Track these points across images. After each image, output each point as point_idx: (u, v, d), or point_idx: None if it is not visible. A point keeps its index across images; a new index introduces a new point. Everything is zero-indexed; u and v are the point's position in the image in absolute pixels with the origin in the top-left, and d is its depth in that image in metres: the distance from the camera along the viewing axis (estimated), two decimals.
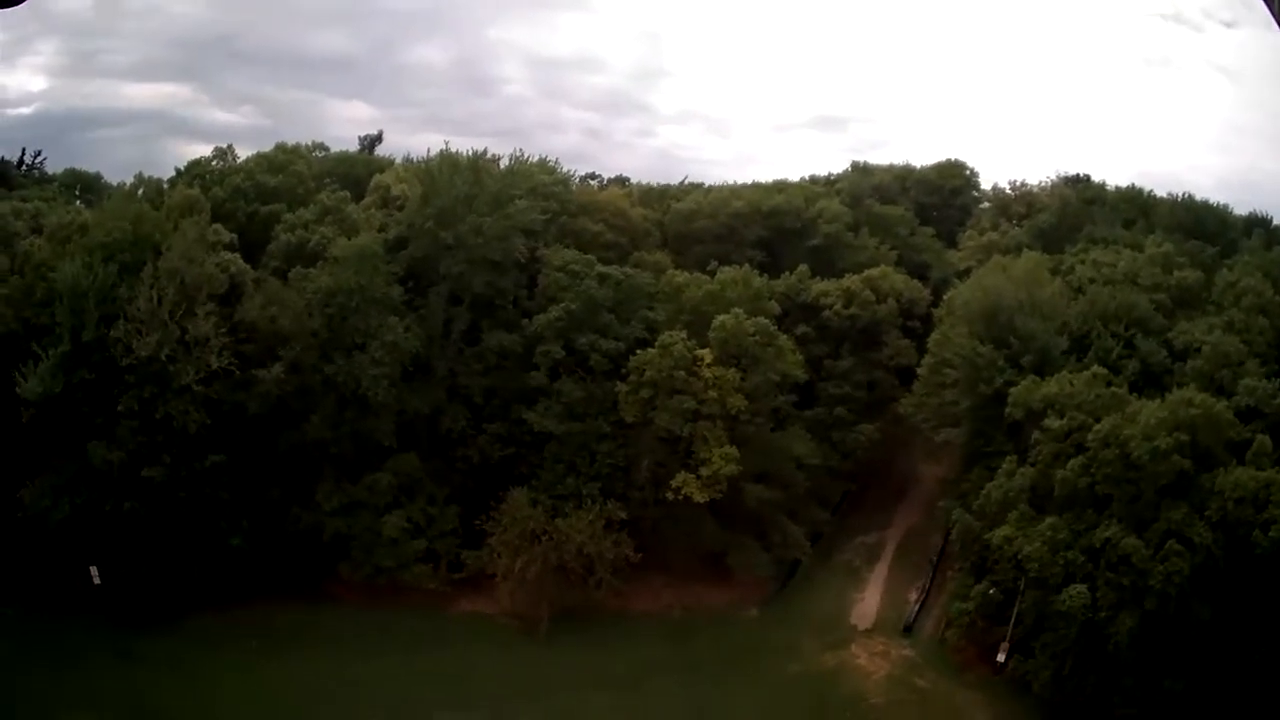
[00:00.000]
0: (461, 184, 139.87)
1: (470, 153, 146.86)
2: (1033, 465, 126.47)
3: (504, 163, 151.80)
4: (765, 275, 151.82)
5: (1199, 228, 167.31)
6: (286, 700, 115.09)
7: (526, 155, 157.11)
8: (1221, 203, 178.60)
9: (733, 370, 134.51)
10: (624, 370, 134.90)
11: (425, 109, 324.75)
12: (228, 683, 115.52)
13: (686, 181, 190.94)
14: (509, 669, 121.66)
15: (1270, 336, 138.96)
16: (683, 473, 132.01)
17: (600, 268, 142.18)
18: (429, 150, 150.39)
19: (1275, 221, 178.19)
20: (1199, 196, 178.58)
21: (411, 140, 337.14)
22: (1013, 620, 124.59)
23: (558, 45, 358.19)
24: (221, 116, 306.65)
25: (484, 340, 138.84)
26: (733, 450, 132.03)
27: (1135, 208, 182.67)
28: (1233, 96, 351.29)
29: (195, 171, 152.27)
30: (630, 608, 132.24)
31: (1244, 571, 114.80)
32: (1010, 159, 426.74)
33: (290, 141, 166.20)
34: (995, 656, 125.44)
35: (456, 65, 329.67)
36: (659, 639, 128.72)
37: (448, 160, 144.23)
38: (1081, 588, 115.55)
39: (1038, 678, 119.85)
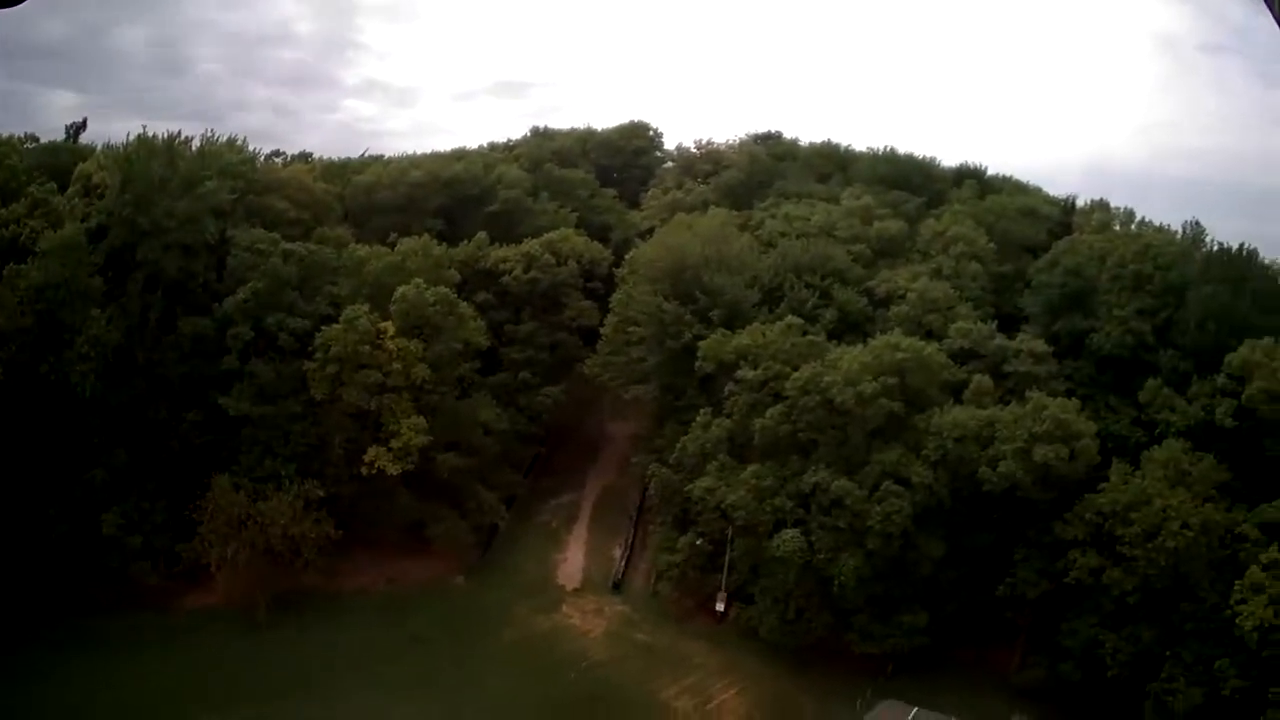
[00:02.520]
0: (157, 168, 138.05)
1: (165, 136, 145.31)
2: (729, 416, 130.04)
3: (196, 144, 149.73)
4: (445, 244, 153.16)
5: (902, 180, 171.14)
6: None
7: (217, 136, 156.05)
8: (929, 156, 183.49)
9: (416, 341, 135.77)
10: (311, 348, 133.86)
11: (128, 94, 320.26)
12: None
13: (367, 154, 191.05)
14: (236, 660, 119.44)
15: (985, 281, 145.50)
16: (374, 446, 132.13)
17: (285, 245, 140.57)
18: (129, 136, 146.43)
19: (990, 172, 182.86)
20: (903, 150, 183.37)
21: (115, 126, 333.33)
22: (725, 569, 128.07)
23: (251, 20, 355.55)
24: None
25: (180, 326, 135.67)
26: (420, 421, 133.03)
27: (831, 163, 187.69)
28: (928, 49, 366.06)
29: None
30: (341, 587, 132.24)
31: (976, 507, 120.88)
32: (705, 121, 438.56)
33: (4, 133, 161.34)
34: (714, 606, 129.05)
35: (156, 47, 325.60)
36: (374, 615, 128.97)
37: (144, 145, 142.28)
38: (794, 532, 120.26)
39: (762, 623, 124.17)
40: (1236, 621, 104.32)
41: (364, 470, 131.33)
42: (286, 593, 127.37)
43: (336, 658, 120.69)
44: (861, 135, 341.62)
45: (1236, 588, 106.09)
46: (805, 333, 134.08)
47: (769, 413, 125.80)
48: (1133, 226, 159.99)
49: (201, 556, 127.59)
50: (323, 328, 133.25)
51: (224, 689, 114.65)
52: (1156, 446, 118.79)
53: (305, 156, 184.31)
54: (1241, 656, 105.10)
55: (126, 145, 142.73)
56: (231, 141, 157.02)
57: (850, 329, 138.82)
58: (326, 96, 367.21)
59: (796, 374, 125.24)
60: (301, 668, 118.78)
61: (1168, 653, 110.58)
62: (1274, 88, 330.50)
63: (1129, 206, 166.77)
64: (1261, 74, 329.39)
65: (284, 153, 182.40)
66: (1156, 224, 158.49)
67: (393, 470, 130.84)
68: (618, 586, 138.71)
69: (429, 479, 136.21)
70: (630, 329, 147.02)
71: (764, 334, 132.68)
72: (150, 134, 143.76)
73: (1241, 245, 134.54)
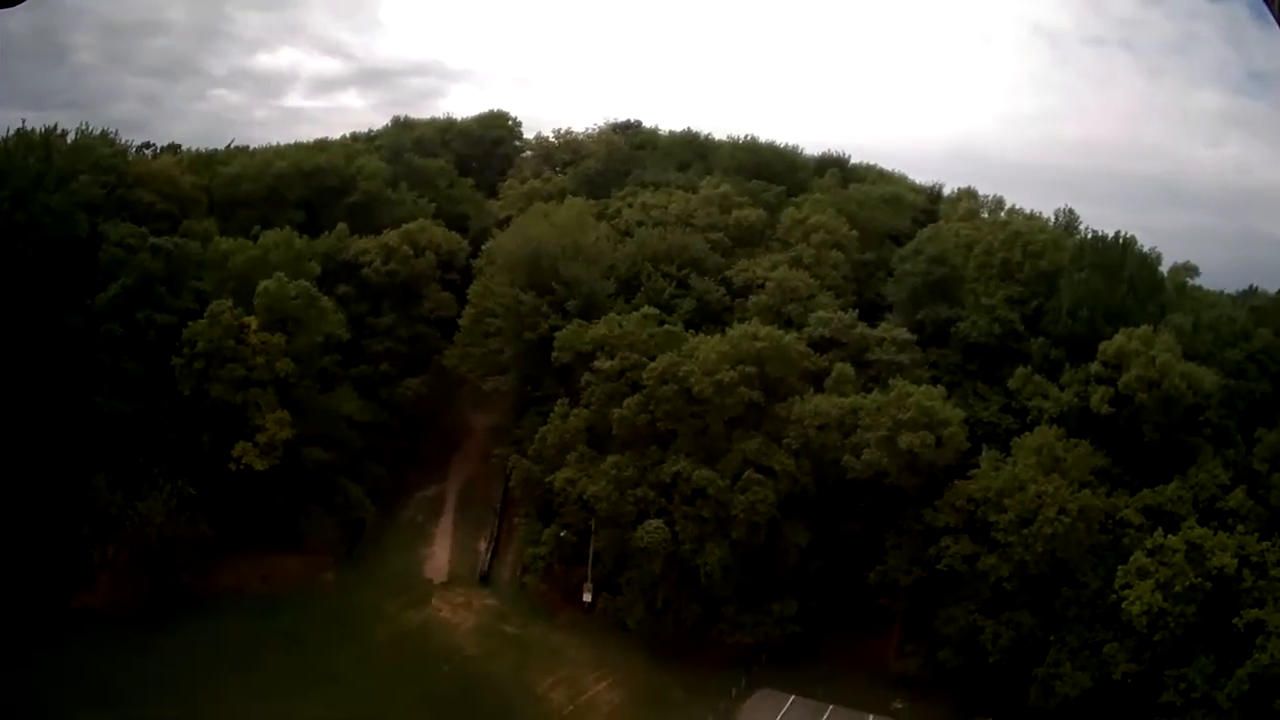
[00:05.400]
0: (34, 162, 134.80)
1: (42, 129, 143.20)
2: (587, 407, 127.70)
3: (71, 137, 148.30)
4: (306, 236, 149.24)
5: (764, 169, 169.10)
6: None
7: (91, 128, 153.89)
8: (792, 144, 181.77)
9: (279, 335, 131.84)
10: (179, 343, 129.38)
11: (5, 83, 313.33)
12: None
13: (234, 144, 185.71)
14: (119, 659, 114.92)
15: (846, 270, 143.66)
16: (241, 442, 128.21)
17: (153, 239, 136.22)
18: (8, 130, 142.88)
19: (854, 160, 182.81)
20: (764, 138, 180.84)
21: None
22: (590, 560, 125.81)
23: (125, 7, 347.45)
24: None
25: (53, 323, 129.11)
26: (284, 414, 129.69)
27: (691, 151, 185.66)
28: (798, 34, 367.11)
29: None
30: (218, 585, 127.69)
31: (842, 495, 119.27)
32: (566, 110, 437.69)
33: None
34: (582, 597, 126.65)
35: (34, 34, 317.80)
36: (251, 614, 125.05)
37: (23, 139, 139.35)
38: (658, 523, 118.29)
39: (631, 614, 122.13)
40: (1123, 606, 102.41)
41: (232, 467, 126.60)
42: (165, 592, 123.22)
43: (216, 657, 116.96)
44: (724, 123, 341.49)
45: (1120, 573, 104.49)
46: (663, 322, 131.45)
47: (626, 403, 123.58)
48: (1002, 214, 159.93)
49: (83, 557, 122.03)
50: (189, 323, 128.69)
51: (108, 688, 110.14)
52: (1028, 433, 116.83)
53: (174, 148, 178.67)
54: (1131, 640, 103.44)
55: (5, 139, 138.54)
56: (105, 134, 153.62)
57: (708, 318, 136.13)
58: (195, 85, 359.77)
59: (653, 364, 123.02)
60: (184, 667, 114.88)
61: (1051, 638, 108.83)
62: (1159, 82, 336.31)
63: (998, 194, 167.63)
64: (1149, 69, 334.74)
65: (154, 144, 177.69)
66: (1027, 212, 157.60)
67: (260, 466, 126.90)
68: (485, 579, 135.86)
69: (296, 474, 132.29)
70: (487, 320, 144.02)
71: (620, 324, 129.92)
72: (28, 127, 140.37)
73: (1118, 233, 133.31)
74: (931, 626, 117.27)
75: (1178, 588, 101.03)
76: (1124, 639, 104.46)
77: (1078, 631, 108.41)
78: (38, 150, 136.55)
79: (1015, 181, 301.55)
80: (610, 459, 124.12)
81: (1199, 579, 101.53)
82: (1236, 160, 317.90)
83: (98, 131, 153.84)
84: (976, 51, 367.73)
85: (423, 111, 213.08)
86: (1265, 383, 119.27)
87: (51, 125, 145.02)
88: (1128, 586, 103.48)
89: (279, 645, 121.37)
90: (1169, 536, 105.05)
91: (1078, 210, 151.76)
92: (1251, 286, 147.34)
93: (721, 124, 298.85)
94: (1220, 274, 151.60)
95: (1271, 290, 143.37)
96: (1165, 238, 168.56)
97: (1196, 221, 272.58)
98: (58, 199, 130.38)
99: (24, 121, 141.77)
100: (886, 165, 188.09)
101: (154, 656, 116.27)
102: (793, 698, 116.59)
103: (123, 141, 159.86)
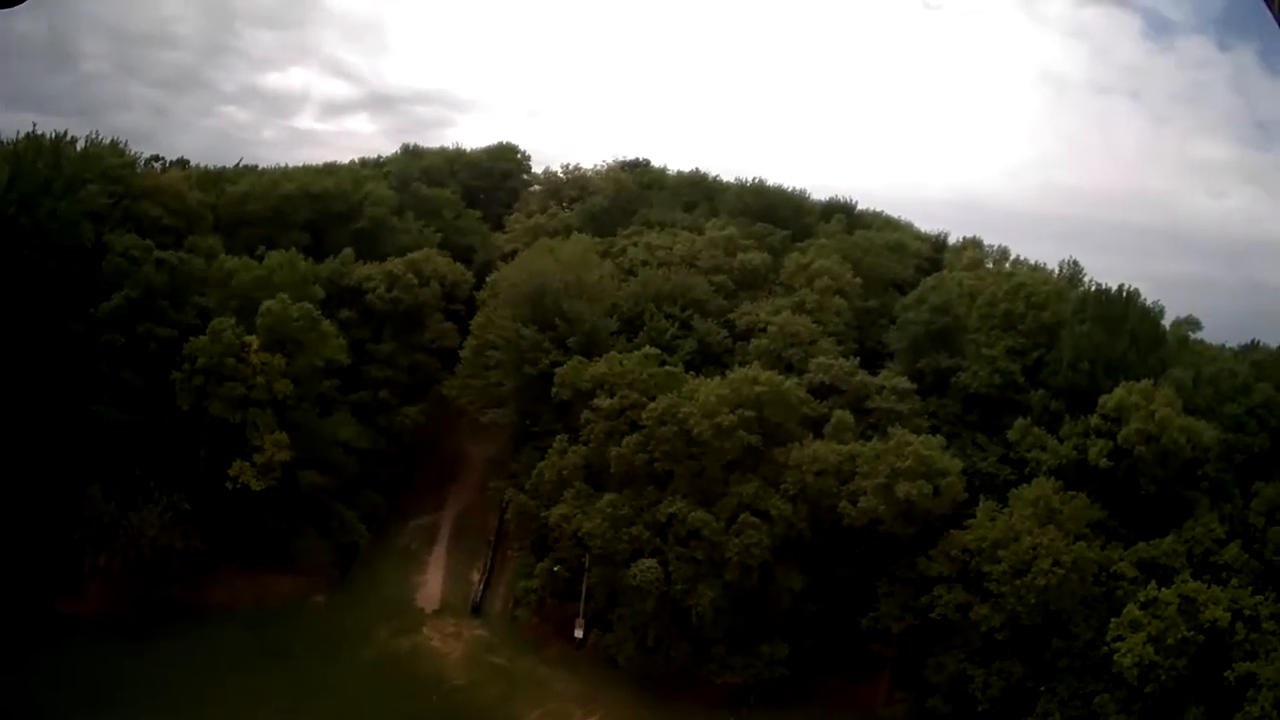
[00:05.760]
0: (43, 167, 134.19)
1: (53, 134, 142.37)
2: (585, 444, 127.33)
3: (80, 144, 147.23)
4: (311, 259, 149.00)
5: (770, 212, 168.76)
6: None
7: (101, 137, 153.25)
8: (799, 188, 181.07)
9: (279, 356, 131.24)
10: (179, 358, 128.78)
11: (13, 85, 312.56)
12: None
13: (242, 163, 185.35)
14: (107, 668, 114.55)
15: (849, 316, 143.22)
16: (239, 461, 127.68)
17: (158, 253, 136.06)
18: (18, 133, 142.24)
19: (859, 207, 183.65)
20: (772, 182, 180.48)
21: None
22: (583, 596, 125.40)
23: (134, 18, 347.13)
24: None
25: (55, 330, 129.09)
26: (283, 436, 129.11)
27: (698, 192, 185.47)
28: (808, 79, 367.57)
29: None
30: (209, 600, 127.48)
31: (837, 541, 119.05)
32: (575, 145, 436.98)
33: None
34: (572, 632, 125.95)
35: (45, 39, 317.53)
36: (241, 630, 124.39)
37: (33, 144, 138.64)
38: (651, 562, 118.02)
39: (621, 651, 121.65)
40: (1115, 658, 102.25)
41: (229, 485, 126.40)
42: (156, 603, 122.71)
43: (204, 671, 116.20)
44: (732, 164, 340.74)
45: (1113, 625, 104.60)
46: (663, 363, 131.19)
47: (625, 441, 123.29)
48: (1006, 264, 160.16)
49: (73, 564, 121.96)
50: (190, 338, 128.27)
51: (95, 696, 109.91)
52: (1026, 485, 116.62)
53: (183, 163, 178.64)
54: (1121, 692, 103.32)
55: (16, 142, 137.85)
56: (114, 144, 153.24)
57: (709, 361, 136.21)
58: (204, 101, 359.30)
59: (653, 404, 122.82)
60: (170, 679, 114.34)
61: (1042, 688, 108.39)
62: (1165, 131, 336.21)
63: (1002, 244, 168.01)
64: (1156, 118, 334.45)
65: (163, 158, 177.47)
66: (1031, 262, 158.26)
67: (256, 486, 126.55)
68: (477, 610, 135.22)
69: (291, 496, 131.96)
70: (489, 352, 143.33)
71: (621, 363, 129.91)
72: (38, 132, 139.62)
73: (1121, 286, 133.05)
74: (921, 674, 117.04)
75: (1170, 640, 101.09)
76: (1114, 690, 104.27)
77: (1068, 682, 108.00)
78: (47, 155, 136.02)
79: (1021, 229, 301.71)
80: (606, 497, 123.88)
81: (1191, 632, 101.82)
82: (1242, 211, 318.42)
83: (107, 140, 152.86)
84: (984, 98, 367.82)
85: (431, 139, 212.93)
86: (1264, 437, 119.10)
87: (62, 131, 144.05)
88: (1120, 639, 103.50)
89: (270, 660, 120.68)
90: (1162, 589, 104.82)
91: (1083, 259, 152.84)
92: (1253, 341, 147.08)
93: (729, 165, 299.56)
94: (1225, 326, 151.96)
95: (1273, 344, 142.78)
96: (1170, 288, 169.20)
97: (1201, 272, 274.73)
98: (64, 206, 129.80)
99: (34, 125, 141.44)
100: (893, 212, 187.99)
101: (143, 665, 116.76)
102: None
103: (132, 152, 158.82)
